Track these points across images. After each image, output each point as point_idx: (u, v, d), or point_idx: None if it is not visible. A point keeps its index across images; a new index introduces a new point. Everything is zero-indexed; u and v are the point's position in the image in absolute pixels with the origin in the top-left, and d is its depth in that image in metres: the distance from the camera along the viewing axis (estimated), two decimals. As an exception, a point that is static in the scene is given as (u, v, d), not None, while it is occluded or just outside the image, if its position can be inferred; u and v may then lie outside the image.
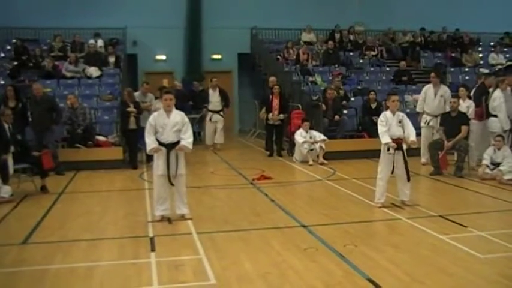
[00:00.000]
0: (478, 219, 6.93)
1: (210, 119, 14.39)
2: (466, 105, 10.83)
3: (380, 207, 7.55)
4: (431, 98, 11.38)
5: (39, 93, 11.03)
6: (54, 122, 10.97)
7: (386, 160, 7.57)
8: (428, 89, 11.54)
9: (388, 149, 7.47)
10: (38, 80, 13.27)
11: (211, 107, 14.44)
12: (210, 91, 14.51)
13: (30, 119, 10.74)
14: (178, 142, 6.85)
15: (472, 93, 11.31)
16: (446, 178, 9.83)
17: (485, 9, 20.65)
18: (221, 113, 14.55)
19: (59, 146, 11.41)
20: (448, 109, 10.85)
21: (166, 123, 6.83)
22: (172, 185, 6.90)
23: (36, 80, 12.90)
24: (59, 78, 14.46)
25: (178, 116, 6.92)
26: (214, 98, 14.44)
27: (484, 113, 10.67)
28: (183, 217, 7.01)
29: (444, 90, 11.44)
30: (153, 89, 13.32)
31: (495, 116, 10.37)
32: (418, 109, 11.66)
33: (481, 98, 10.83)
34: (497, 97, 10.35)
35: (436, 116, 11.20)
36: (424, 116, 11.47)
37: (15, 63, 14.97)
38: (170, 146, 6.84)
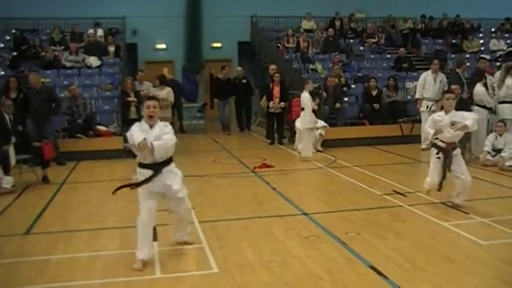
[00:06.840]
0: (479, 205, 6.95)
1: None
2: None
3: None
4: (432, 83, 11.89)
5: (36, 83, 10.91)
6: (54, 113, 10.92)
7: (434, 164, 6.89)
8: (427, 75, 12.06)
9: (438, 152, 6.76)
10: (38, 70, 13.20)
11: None
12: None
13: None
14: None
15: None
16: (448, 165, 9.80)
17: (486, -5, 20.58)
18: None
19: (59, 136, 11.42)
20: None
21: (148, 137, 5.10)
22: None
23: (35, 70, 12.79)
24: (59, 68, 14.41)
25: (158, 128, 5.21)
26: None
27: None
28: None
29: (442, 76, 12.09)
30: (152, 78, 13.30)
31: (508, 102, 10.32)
32: (417, 95, 12.06)
33: (477, 82, 10.79)
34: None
35: (436, 101, 11.59)
36: (425, 101, 11.84)
37: (15, 53, 14.92)
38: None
